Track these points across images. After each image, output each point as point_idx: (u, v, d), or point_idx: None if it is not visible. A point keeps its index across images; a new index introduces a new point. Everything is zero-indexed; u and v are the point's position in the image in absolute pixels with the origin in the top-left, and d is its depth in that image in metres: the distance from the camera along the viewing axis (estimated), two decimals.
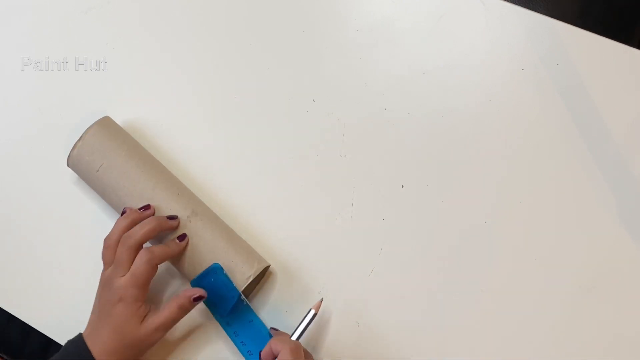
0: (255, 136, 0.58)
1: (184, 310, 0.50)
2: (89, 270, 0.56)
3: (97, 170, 0.54)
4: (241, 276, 0.51)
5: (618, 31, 0.55)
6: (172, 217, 0.52)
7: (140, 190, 0.53)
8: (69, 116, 0.62)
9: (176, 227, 0.52)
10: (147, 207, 0.52)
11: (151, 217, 0.52)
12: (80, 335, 0.50)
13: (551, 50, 0.53)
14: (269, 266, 0.54)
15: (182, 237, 0.52)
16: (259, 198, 0.57)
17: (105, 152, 0.54)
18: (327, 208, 0.55)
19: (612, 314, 0.50)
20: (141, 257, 0.49)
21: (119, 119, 0.59)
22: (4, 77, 0.65)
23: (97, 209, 0.60)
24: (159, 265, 0.50)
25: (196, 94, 0.60)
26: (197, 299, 0.50)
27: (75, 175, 0.58)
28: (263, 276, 0.54)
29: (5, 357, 0.61)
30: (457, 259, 0.53)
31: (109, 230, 0.53)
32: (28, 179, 0.62)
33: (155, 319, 0.49)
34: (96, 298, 0.51)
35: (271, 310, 0.55)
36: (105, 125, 0.56)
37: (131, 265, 0.50)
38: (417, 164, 0.55)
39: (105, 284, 0.50)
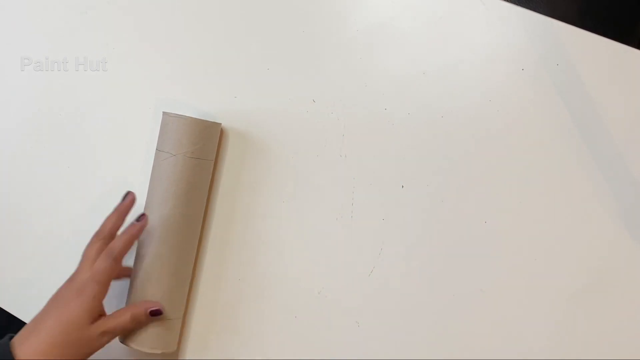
0: (256, 136, 0.58)
1: (136, 322, 0.50)
2: None
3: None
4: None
5: (618, 31, 0.55)
6: (139, 218, 0.52)
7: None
8: (69, 116, 0.62)
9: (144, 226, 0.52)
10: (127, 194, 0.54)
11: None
12: (8, 338, 0.47)
13: (551, 50, 0.53)
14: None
15: (141, 217, 0.52)
16: (259, 197, 0.57)
17: None
18: (327, 208, 0.55)
19: (612, 314, 0.50)
20: (102, 256, 0.50)
21: (118, 119, 0.59)
22: (4, 77, 0.65)
23: (99, 210, 0.59)
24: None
25: (197, 93, 0.60)
26: (154, 314, 0.50)
27: (75, 176, 0.58)
28: None
29: None
30: (457, 258, 0.53)
31: None
32: (27, 178, 0.62)
33: (106, 322, 0.49)
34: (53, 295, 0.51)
35: (269, 306, 0.55)
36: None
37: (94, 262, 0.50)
38: (417, 164, 0.54)
39: (68, 279, 0.50)
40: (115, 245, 0.50)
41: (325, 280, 0.55)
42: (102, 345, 0.49)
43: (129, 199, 0.53)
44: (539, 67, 0.53)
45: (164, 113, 0.54)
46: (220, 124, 0.56)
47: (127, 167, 0.61)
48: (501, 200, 0.53)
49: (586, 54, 0.52)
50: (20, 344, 0.46)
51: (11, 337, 0.47)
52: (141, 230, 0.52)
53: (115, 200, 0.60)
